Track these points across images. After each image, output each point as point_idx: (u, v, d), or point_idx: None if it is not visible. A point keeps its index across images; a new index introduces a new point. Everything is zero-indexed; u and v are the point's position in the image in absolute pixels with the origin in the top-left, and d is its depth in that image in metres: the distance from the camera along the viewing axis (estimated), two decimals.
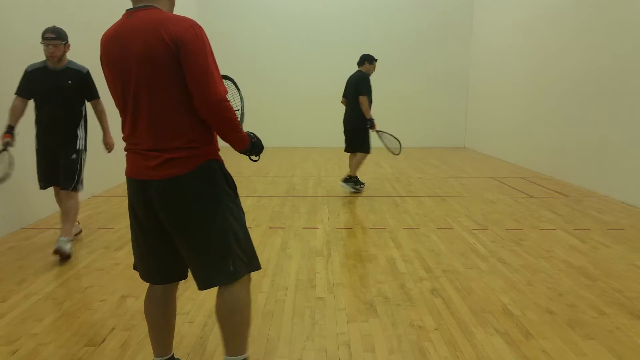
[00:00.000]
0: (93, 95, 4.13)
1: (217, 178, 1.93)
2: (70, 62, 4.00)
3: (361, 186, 6.49)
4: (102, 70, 1.96)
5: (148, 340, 2.61)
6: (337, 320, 2.84)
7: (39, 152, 4.06)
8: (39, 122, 4.00)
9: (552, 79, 7.78)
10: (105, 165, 6.53)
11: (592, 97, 6.65)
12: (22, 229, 4.68)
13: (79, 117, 4.07)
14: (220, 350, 2.51)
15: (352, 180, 6.44)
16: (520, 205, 5.79)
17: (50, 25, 3.95)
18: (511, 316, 2.90)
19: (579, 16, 7.06)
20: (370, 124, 6.18)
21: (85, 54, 5.99)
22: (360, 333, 2.70)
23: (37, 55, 4.00)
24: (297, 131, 11.70)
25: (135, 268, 2.14)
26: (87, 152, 4.16)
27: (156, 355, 2.18)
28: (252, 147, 2.06)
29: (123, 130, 1.95)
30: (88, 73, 4.05)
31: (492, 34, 10.46)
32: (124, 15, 1.88)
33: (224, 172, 1.99)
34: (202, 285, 1.97)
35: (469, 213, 5.38)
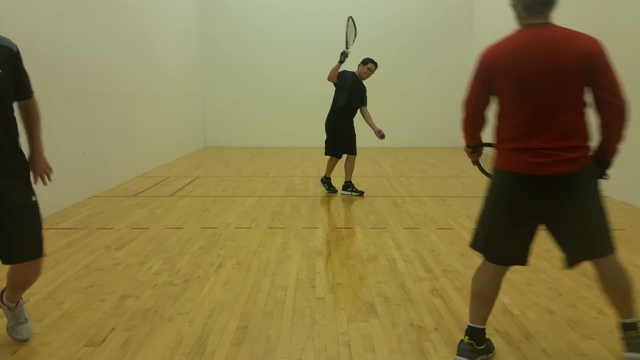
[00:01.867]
0: (26, 90, 2.41)
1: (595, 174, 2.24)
2: None
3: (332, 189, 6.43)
4: (478, 79, 2.29)
5: (148, 340, 2.62)
6: (337, 320, 2.84)
7: None
8: None
9: None
10: (105, 166, 6.55)
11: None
12: None
13: (16, 130, 2.40)
14: (219, 350, 2.52)
15: (350, 185, 6.35)
16: None
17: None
18: (511, 316, 2.91)
19: (579, 16, 7.04)
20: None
21: (84, 56, 6.01)
22: (360, 333, 2.70)
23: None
24: (298, 131, 11.69)
25: (477, 249, 2.39)
26: None
27: (471, 321, 2.37)
28: (612, 161, 2.28)
29: (508, 132, 2.24)
30: (19, 53, 2.34)
31: (492, 34, 10.41)
32: (521, 31, 2.19)
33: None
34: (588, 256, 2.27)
35: (469, 213, 5.37)
